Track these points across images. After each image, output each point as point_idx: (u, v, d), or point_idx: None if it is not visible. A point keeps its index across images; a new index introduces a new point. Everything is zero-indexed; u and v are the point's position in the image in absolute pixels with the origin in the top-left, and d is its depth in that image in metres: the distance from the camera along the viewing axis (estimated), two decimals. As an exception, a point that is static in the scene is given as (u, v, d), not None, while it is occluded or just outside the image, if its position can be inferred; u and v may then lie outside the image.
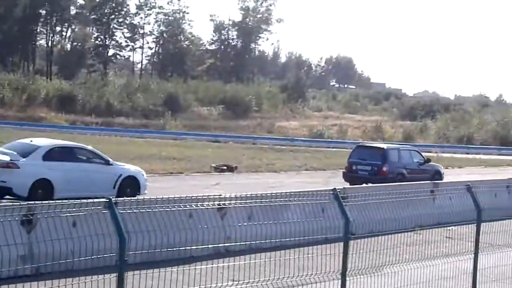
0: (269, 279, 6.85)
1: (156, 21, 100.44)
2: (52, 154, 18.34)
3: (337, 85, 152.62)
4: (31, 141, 19.46)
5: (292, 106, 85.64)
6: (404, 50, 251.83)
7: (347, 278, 7.12)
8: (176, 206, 7.16)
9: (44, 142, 19.78)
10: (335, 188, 7.49)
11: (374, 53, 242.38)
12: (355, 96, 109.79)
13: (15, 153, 18.01)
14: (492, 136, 62.07)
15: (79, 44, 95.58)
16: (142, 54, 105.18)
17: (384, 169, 25.98)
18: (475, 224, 9.05)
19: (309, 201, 8.61)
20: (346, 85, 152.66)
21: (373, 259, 7.90)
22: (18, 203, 11.04)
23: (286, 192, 10.03)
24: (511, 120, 66.46)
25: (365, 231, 8.72)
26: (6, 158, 17.70)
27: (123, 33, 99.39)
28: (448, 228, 11.66)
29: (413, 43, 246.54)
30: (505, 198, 20.28)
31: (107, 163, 18.83)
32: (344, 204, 7.95)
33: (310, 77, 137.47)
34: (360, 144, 32.98)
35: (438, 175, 27.19)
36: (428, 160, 28.11)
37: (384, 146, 29.43)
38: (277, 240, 7.56)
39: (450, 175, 29.91)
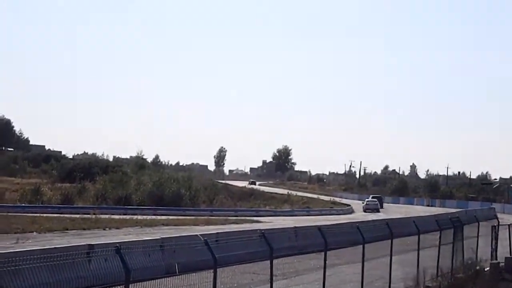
0: None
1: None
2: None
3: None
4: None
5: None
6: (63, 112, 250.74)
7: None
8: None
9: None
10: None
11: (34, 115, 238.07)
12: (13, 159, 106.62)
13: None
14: (148, 197, 64.30)
15: None
16: None
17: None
18: (123, 286, 9.54)
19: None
20: (4, 148, 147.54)
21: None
22: None
23: None
24: (165, 180, 69.49)
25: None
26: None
27: None
28: (103, 290, 12.03)
29: (67, 105, 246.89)
30: (158, 256, 21.19)
31: None
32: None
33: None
34: (373, 195, 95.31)
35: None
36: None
37: (378, 195, 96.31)
38: None
39: (107, 236, 30.48)
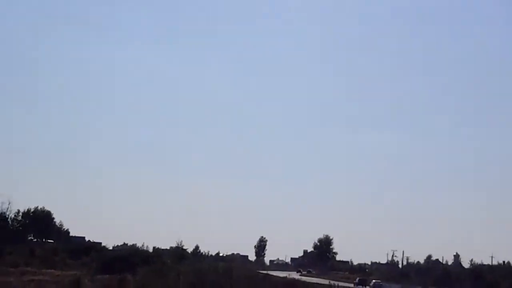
0: None
1: None
2: None
3: (35, 240, 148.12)
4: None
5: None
6: (103, 204, 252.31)
7: None
8: None
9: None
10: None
11: (73, 206, 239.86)
12: (53, 250, 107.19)
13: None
14: (188, 287, 63.72)
15: None
16: None
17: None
18: None
19: None
20: (44, 239, 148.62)
21: None
22: None
23: None
24: (206, 270, 69.01)
25: None
26: None
27: None
28: None
29: (108, 196, 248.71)
30: None
31: None
32: None
33: (7, 231, 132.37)
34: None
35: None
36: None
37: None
38: None
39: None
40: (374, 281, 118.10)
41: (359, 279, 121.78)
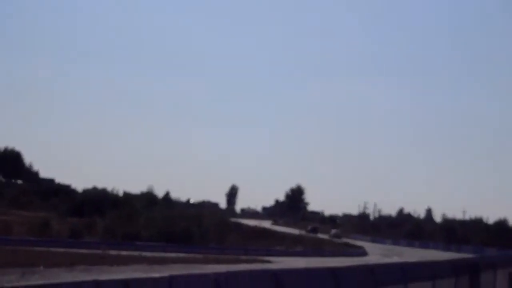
0: None
1: None
2: None
3: (4, 180, 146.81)
4: None
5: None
6: (74, 146, 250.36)
7: None
8: None
9: None
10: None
11: (44, 147, 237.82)
12: (22, 191, 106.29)
13: None
14: (158, 233, 63.30)
15: None
16: None
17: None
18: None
19: None
20: (13, 180, 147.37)
21: None
22: None
23: None
24: (176, 217, 68.65)
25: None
26: None
27: None
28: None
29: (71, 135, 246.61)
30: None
31: None
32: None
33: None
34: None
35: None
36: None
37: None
38: None
39: (115, 272, 29.62)
40: (333, 230, 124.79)
41: (311, 227, 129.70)
